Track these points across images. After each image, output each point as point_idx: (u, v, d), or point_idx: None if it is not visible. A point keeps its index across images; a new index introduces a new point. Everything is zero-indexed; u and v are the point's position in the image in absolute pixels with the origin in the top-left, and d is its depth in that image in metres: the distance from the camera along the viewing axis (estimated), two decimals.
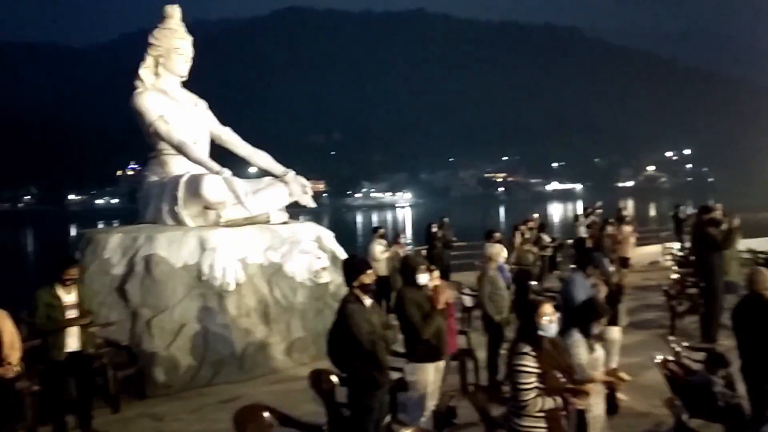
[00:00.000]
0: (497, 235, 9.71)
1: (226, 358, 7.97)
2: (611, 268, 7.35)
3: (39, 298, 6.21)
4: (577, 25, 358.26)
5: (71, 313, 6.28)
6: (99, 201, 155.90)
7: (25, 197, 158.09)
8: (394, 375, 5.57)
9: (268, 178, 10.05)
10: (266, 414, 4.72)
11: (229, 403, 6.91)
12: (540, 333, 3.94)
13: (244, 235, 8.86)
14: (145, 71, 9.64)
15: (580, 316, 4.54)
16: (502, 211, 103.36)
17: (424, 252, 14.55)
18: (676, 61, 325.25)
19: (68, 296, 6.31)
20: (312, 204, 10.24)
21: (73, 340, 6.28)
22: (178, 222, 8.91)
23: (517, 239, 11.23)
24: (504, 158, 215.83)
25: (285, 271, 8.91)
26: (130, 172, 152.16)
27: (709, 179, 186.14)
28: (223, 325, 8.08)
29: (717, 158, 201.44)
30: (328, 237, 10.12)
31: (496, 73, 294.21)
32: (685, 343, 6.84)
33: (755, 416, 5.30)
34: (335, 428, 5.17)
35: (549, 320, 3.96)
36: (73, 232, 64.08)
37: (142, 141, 9.92)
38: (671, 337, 7.57)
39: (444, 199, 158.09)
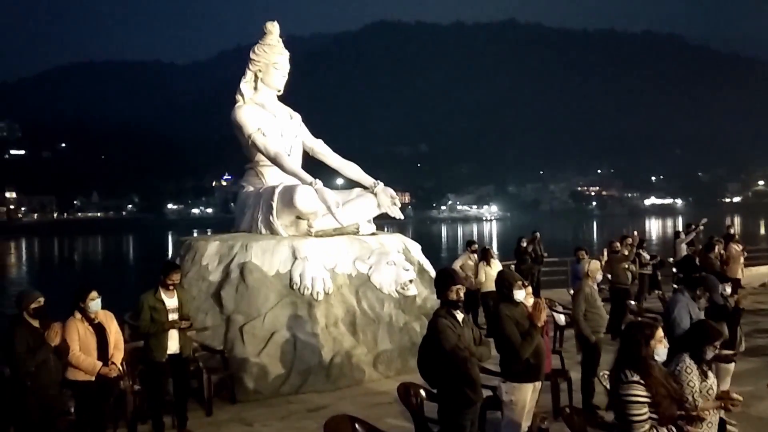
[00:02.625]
0: (582, 252, 9.32)
1: (314, 367, 8.04)
2: (727, 290, 6.87)
3: (144, 300, 6.49)
4: (678, 33, 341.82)
5: (173, 317, 6.54)
6: (195, 210, 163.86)
7: (129, 206, 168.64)
8: (486, 393, 5.42)
9: (357, 189, 10.14)
10: (356, 425, 4.70)
11: (315, 412, 6.98)
12: (651, 359, 3.71)
13: (333, 246, 8.96)
14: (245, 85, 10.01)
15: (692, 340, 4.22)
16: (594, 226, 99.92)
17: (512, 267, 14.20)
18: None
19: (170, 300, 6.58)
20: (400, 216, 10.23)
21: (173, 343, 6.54)
22: (272, 231, 9.14)
23: (612, 256, 10.73)
24: (597, 171, 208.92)
25: (373, 282, 8.92)
26: (224, 183, 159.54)
27: None
28: (311, 334, 8.17)
29: None
30: (416, 249, 10.07)
31: (590, 82, 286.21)
32: None
33: None
34: None
35: (662, 345, 3.72)
36: (170, 239, 67.61)
37: (238, 153, 10.29)
38: None
39: (533, 212, 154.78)
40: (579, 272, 9.08)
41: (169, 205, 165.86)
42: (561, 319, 9.60)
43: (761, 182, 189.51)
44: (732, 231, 15.19)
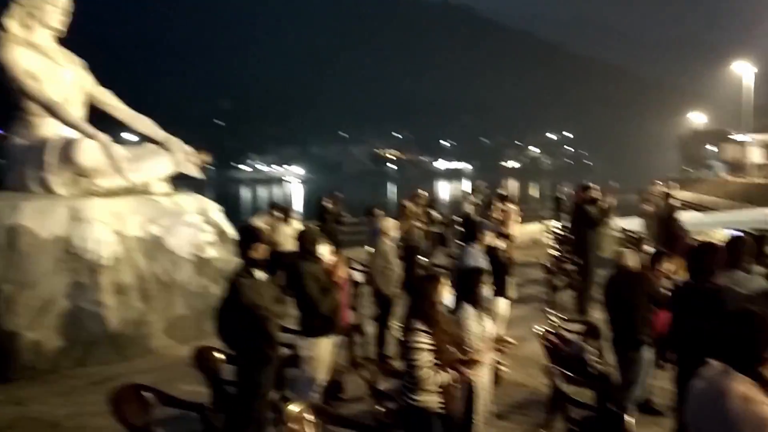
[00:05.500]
0: (377, 211, 9.70)
1: (99, 338, 7.45)
2: (498, 243, 7.58)
3: None
4: (471, 5, 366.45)
5: None
6: None
7: None
8: (284, 351, 5.44)
9: (149, 145, 9.42)
10: (146, 393, 4.44)
11: (101, 385, 6.46)
12: (436, 309, 3.97)
13: (121, 206, 8.25)
14: (9, 21, 8.63)
15: (467, 284, 4.61)
16: (393, 187, 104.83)
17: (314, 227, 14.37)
18: (562, 46, 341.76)
19: None
20: (198, 174, 9.75)
21: None
22: (47, 190, 8.15)
23: (404, 215, 11.34)
24: (395, 135, 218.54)
25: (166, 246, 8.42)
26: None
27: (588, 162, 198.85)
28: (95, 302, 7.52)
29: (595, 142, 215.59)
30: (215, 210, 9.69)
31: (387, 49, 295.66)
32: (562, 316, 7.20)
33: (623, 382, 5.69)
34: (220, 407, 4.97)
35: (444, 295, 4.00)
36: None
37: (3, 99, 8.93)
38: (550, 311, 7.96)
39: (336, 174, 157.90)
40: (376, 231, 9.44)
41: None
42: (358, 276, 9.93)
43: (534, 149, 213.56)
44: (506, 192, 16.86)
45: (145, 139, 9.66)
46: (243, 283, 4.66)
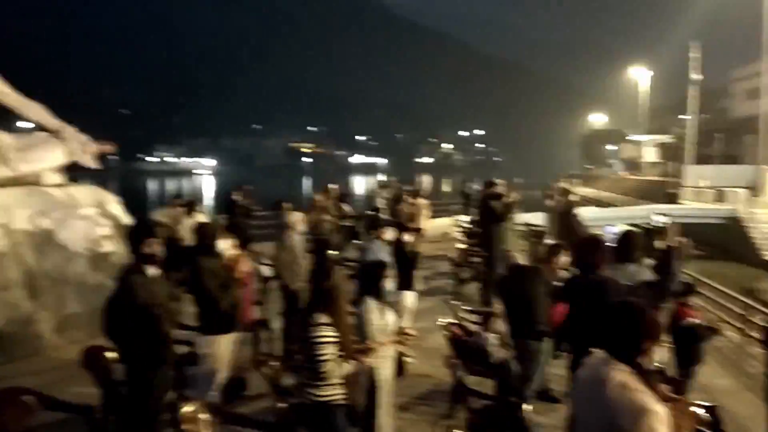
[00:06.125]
0: (286, 204, 9.57)
1: None
2: (406, 237, 7.64)
3: None
4: (387, 3, 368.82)
5: None
6: None
7: None
8: (183, 349, 5.24)
9: (41, 134, 8.83)
10: (27, 397, 4.15)
11: None
12: (338, 302, 3.94)
13: (7, 198, 7.69)
14: None
15: (369, 277, 4.61)
16: (308, 181, 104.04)
17: (223, 221, 13.99)
18: (476, 47, 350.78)
19: None
20: (95, 165, 9.23)
21: None
22: None
23: (315, 208, 11.25)
24: (311, 129, 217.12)
25: (58, 240, 7.93)
26: None
27: (497, 158, 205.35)
28: None
29: (505, 139, 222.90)
30: (112, 203, 9.21)
31: (304, 43, 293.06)
32: (466, 307, 7.36)
33: (522, 372, 5.87)
34: (111, 408, 4.72)
35: (347, 287, 3.98)
36: None
37: None
38: (454, 302, 8.12)
39: (249, 167, 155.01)
40: (283, 225, 9.29)
41: None
42: (267, 270, 9.75)
43: (447, 145, 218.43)
44: (417, 187, 17.09)
45: (38, 127, 9.04)
46: (133, 280, 4.43)
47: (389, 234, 6.77)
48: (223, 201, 14.92)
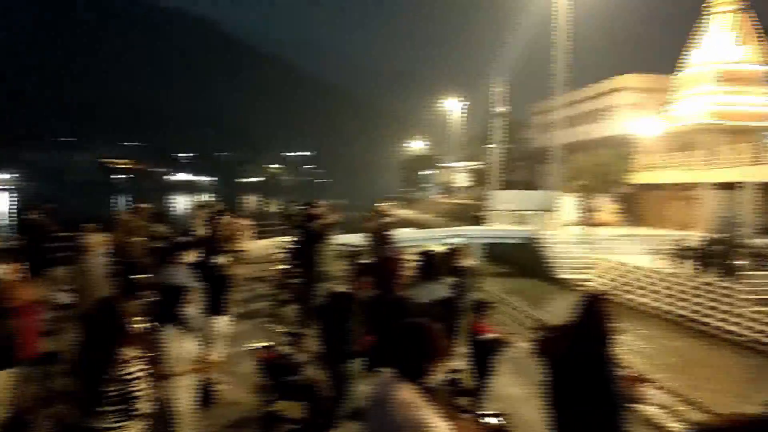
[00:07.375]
0: (87, 225, 8.89)
1: None
2: (223, 260, 7.40)
3: None
4: (217, 20, 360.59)
5: None
6: None
7: None
8: None
9: None
10: None
11: None
12: (124, 333, 3.66)
13: None
14: None
15: (166, 303, 4.38)
16: (123, 199, 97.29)
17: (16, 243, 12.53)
18: (306, 70, 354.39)
19: None
20: None
21: None
22: None
23: (123, 229, 10.51)
24: (128, 144, 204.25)
25: None
26: None
27: (324, 180, 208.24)
28: None
29: (331, 162, 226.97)
30: None
31: (121, 55, 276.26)
32: (281, 329, 7.28)
33: (336, 393, 5.91)
34: None
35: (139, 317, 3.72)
36: None
37: None
38: (271, 324, 8.00)
39: (57, 183, 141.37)
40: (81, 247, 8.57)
41: None
42: (63, 297, 8.89)
43: (275, 165, 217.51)
44: (240, 207, 16.76)
45: None
46: None
47: (191, 256, 6.51)
48: (18, 221, 13.41)
